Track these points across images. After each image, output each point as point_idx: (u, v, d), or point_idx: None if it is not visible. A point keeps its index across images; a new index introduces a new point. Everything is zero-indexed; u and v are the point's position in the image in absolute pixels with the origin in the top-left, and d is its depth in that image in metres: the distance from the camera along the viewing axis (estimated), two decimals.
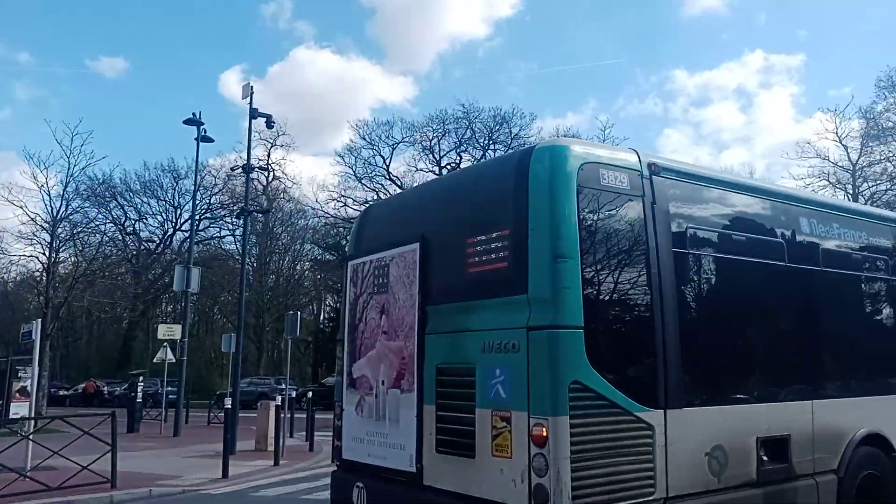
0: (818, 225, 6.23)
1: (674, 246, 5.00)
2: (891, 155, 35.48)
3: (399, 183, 40.75)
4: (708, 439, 4.88)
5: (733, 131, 74.72)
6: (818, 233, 6.20)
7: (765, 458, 5.22)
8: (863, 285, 6.79)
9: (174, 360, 20.66)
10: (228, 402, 14.07)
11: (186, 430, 19.91)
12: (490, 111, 39.42)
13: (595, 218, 4.62)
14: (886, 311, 7.11)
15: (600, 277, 4.60)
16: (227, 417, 13.07)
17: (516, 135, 39.14)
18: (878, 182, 35.74)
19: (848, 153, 36.22)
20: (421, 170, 40.89)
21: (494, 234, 4.85)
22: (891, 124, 35.50)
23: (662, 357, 4.71)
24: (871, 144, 35.75)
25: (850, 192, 34.55)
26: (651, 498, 4.52)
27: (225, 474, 11.46)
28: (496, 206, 4.95)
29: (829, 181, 35.75)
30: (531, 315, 4.42)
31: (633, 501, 4.44)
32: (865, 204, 28.41)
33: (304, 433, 16.21)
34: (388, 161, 41.40)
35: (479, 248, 4.97)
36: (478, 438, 4.68)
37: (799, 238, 6.02)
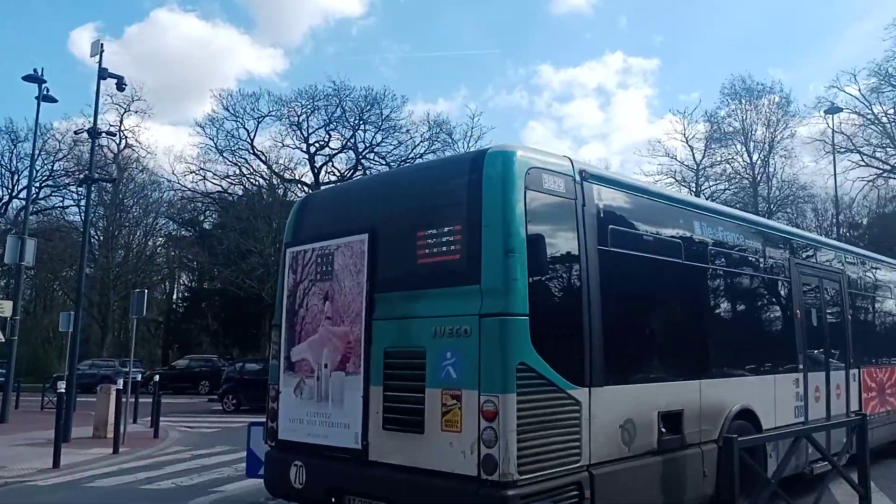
0: (707, 228, 7.13)
1: (598, 244, 5.62)
2: (730, 157, 39.27)
3: (264, 158, 39.62)
4: (621, 414, 5.61)
5: (592, 128, 79.33)
6: (707, 235, 7.10)
7: (663, 429, 6.00)
8: (740, 282, 7.76)
9: (3, 340, 19.19)
10: (62, 386, 12.86)
11: (16, 416, 18.44)
12: (362, 91, 39.08)
13: (537, 217, 5.17)
14: (758, 304, 8.31)
15: (541, 271, 5.12)
16: (59, 402, 12.03)
17: (387, 116, 39.15)
18: (718, 182, 39.39)
19: (693, 154, 39.73)
20: (288, 146, 40.03)
21: (446, 229, 5.31)
22: (731, 129, 39.27)
23: (589, 342, 5.33)
24: (713, 147, 39.41)
25: (694, 189, 37.77)
26: (578, 465, 5.15)
27: (56, 464, 10.71)
28: (448, 203, 5.40)
29: (675, 179, 38.95)
30: (483, 303, 4.92)
31: (564, 468, 5.04)
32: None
33: (150, 419, 15.58)
34: (252, 135, 39.87)
35: (430, 241, 5.40)
36: (427, 415, 5.12)
37: (692, 239, 6.89)
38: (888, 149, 35.60)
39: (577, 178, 5.62)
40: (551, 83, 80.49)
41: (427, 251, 5.42)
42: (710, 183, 39.41)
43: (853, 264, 10.64)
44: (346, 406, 5.74)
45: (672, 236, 6.66)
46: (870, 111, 35.37)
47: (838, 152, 33.78)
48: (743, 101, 39.10)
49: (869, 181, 36.51)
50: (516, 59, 79.88)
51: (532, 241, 5.04)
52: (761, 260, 8.04)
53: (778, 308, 8.50)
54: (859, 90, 35.15)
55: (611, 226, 5.85)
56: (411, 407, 5.24)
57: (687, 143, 39.65)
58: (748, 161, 39.12)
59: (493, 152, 5.33)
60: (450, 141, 39.59)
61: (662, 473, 5.94)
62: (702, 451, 6.41)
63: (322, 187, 39.33)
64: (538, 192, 5.23)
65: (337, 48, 74.75)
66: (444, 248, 5.31)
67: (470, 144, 39.56)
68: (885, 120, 35.27)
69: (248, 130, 39.66)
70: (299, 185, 40.07)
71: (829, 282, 9.52)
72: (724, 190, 38.80)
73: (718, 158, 39.52)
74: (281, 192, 39.78)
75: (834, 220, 35.50)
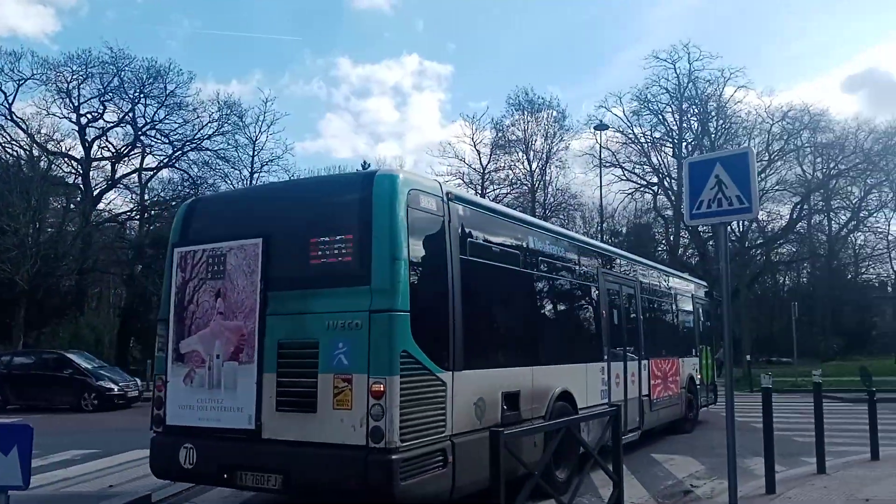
0: (538, 241, 8.68)
1: (460, 254, 6.82)
2: (512, 164, 42.72)
3: (24, 126, 35.28)
4: (475, 393, 6.82)
5: (389, 125, 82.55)
6: (538, 247, 8.65)
7: (505, 406, 7.32)
8: (562, 287, 9.40)
9: None
10: None
11: None
12: (143, 61, 36.15)
13: (416, 230, 6.28)
14: (575, 305, 10.09)
15: (419, 275, 6.22)
16: None
17: (171, 92, 36.61)
18: (501, 186, 42.42)
19: (480, 158, 42.57)
20: (54, 114, 36.00)
21: (339, 237, 6.27)
22: (514, 137, 42.84)
23: (452, 334, 6.48)
24: (498, 153, 42.65)
25: (480, 192, 40.39)
26: (444, 435, 6.31)
27: None
28: (341, 214, 6.40)
29: (463, 181, 41.49)
30: (373, 301, 5.96)
31: (434, 437, 6.18)
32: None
33: None
34: (11, 99, 35.16)
35: (323, 247, 6.34)
36: (320, 397, 6.05)
37: (528, 250, 8.35)
38: (645, 166, 40.93)
39: (445, 198, 6.75)
40: (350, 77, 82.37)
41: (320, 255, 6.34)
42: (495, 187, 42.18)
43: (646, 274, 12.84)
44: (238, 392, 6.48)
45: (513, 248, 8.05)
46: (631, 131, 40.52)
47: (604, 166, 38.42)
48: (525, 113, 42.76)
49: (629, 194, 42.07)
50: (316, 49, 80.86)
51: (412, 249, 6.16)
52: (578, 269, 9.79)
53: (590, 309, 10.26)
54: (623, 112, 40.38)
55: (469, 238, 7.04)
56: (304, 391, 6.15)
57: (475, 147, 42.52)
58: (528, 168, 42.74)
59: (381, 174, 6.40)
60: (241, 124, 38.68)
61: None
62: (533, 426, 7.74)
63: (96, 162, 36.82)
64: (416, 209, 6.33)
65: (119, 14, 68.73)
66: (337, 254, 6.26)
67: (261, 129, 39.30)
68: (643, 140, 40.57)
69: (5, 94, 34.99)
70: (66, 159, 36.77)
71: (626, 288, 11.62)
72: (507, 194, 41.84)
73: (503, 164, 42.64)
74: (43, 165, 35.40)
75: (599, 228, 39.93)
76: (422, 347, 6.10)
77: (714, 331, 16.60)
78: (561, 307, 9.52)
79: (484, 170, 42.16)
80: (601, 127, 35.68)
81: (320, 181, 9.15)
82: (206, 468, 6.58)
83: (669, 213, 41.52)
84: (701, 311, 16.04)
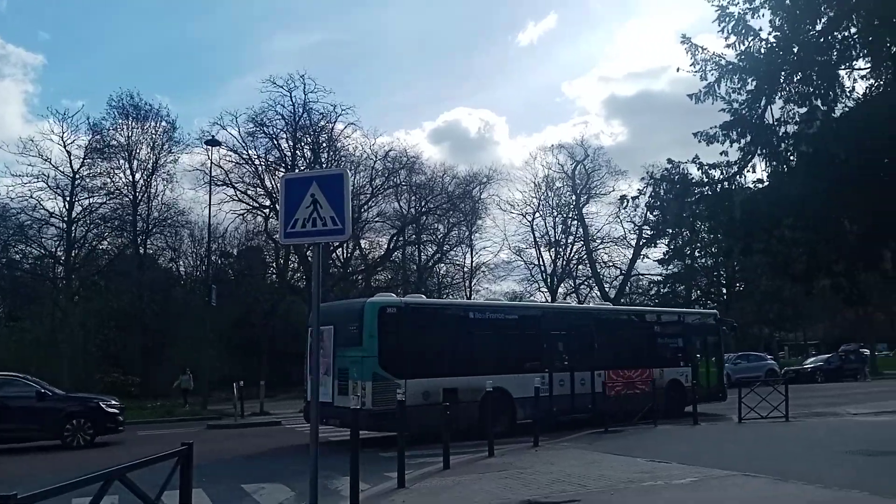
0: (477, 312, 17.65)
1: (410, 329, 14.99)
2: (112, 171, 38.22)
3: None
4: (422, 389, 14.32)
5: None
6: (476, 315, 17.09)
7: (446, 394, 13.99)
8: (502, 334, 16.82)
9: None
10: None
11: None
12: None
13: (386, 324, 14.58)
14: (513, 336, 17.15)
15: (385, 342, 14.45)
16: None
17: None
18: (97, 195, 36.99)
19: (71, 160, 36.04)
20: None
21: (353, 328, 14.65)
22: (116, 143, 38.62)
23: (404, 363, 14.45)
24: (94, 157, 37.00)
25: (69, 200, 35.34)
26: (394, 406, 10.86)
27: None
28: (354, 318, 14.74)
29: (48, 185, 35.28)
30: (364, 352, 14.24)
31: (392, 407, 11.46)
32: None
33: None
34: None
35: (349, 330, 14.76)
36: (350, 388, 14.21)
37: (466, 318, 16.85)
38: (258, 188, 40.57)
39: (402, 305, 15.36)
40: None
41: (348, 335, 14.71)
42: (88, 194, 36.83)
43: (602, 317, 19.94)
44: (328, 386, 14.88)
45: (452, 318, 17.04)
46: (246, 152, 40.00)
47: (216, 184, 36.54)
48: (131, 119, 39.32)
49: (240, 215, 41.02)
50: None
51: (381, 332, 14.43)
52: (521, 322, 17.91)
53: (534, 343, 17.48)
54: (239, 132, 39.25)
55: (416, 320, 15.38)
56: (344, 385, 14.48)
57: (65, 147, 36.07)
58: (131, 179, 39.28)
59: (370, 301, 15.18)
60: None
61: (446, 411, 10.97)
62: (468, 404, 14.44)
63: None
64: (385, 315, 14.67)
65: None
66: (352, 334, 14.62)
67: None
68: (257, 162, 40.36)
69: None
70: None
71: (570, 327, 18.65)
72: (103, 204, 37.21)
73: (100, 170, 37.67)
74: None
75: (207, 248, 38.09)
76: (385, 370, 14.19)
77: (716, 345, 21.77)
78: (498, 343, 16.56)
79: (74, 174, 36.34)
80: (213, 143, 34.17)
81: (348, 304, 17.62)
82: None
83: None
84: (686, 335, 21.04)
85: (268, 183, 39.11)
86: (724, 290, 53.91)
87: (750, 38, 12.45)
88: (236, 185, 39.43)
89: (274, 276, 44.44)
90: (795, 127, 12.76)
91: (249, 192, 40.03)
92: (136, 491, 4.25)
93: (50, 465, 13.18)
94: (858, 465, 9.91)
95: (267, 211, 39.35)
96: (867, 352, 44.99)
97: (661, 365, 19.46)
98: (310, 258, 39.03)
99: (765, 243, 13.84)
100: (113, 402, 17.06)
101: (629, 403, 17.01)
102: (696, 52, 13.01)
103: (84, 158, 36.22)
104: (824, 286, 15.34)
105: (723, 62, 12.85)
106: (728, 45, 12.66)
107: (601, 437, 14.18)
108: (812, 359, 45.16)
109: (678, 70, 13.38)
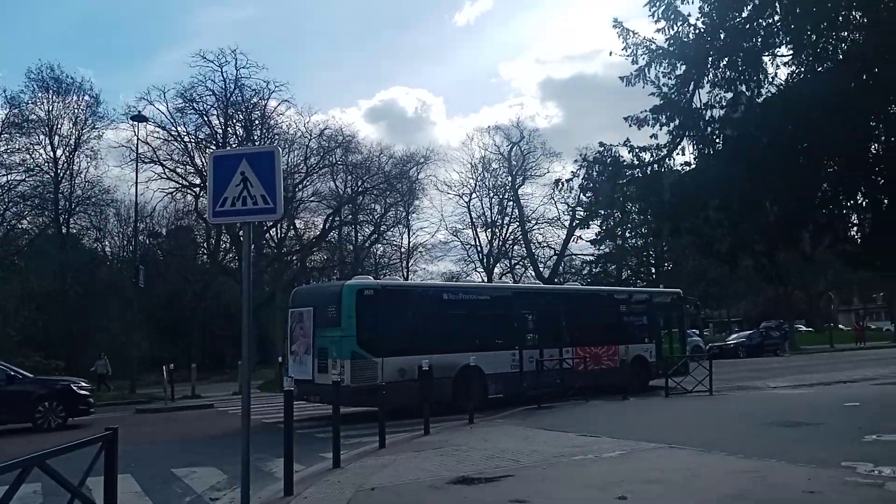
0: (451, 294, 18.08)
1: (387, 311, 15.77)
2: (31, 146, 35.99)
3: None
4: (398, 366, 15.03)
5: None
6: (450, 297, 17.68)
7: (421, 371, 13.09)
8: (475, 314, 17.43)
9: None
10: None
11: None
12: None
13: (363, 305, 15.25)
14: (486, 316, 17.69)
15: (362, 322, 15.16)
16: None
17: None
18: (15, 172, 35.22)
19: None
20: None
21: (331, 309, 15.45)
22: (35, 118, 36.49)
23: (381, 342, 15.34)
24: (12, 131, 35.35)
25: None
26: (376, 382, 13.72)
27: None
28: (333, 300, 15.55)
29: None
30: (343, 333, 15.01)
31: (370, 382, 14.13)
32: None
33: None
34: None
35: (329, 312, 15.56)
36: (329, 366, 15.03)
37: (442, 299, 17.41)
38: (188, 166, 39.26)
39: (379, 287, 16.41)
40: None
41: (327, 316, 15.51)
42: (5, 171, 35.09)
43: (570, 296, 21.38)
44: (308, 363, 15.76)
45: (426, 299, 17.41)
46: (175, 129, 38.63)
47: (143, 162, 35.37)
48: (51, 92, 37.21)
49: (169, 193, 39.65)
50: None
51: (359, 313, 15.11)
52: (493, 302, 18.27)
53: (505, 322, 18.09)
54: (167, 108, 37.84)
55: (392, 302, 16.15)
56: (325, 363, 15.16)
57: None
58: (52, 155, 37.31)
59: (348, 284, 16.24)
60: None
61: (421, 387, 12.88)
62: (443, 380, 15.21)
63: None
64: (362, 296, 15.36)
65: None
66: (332, 315, 15.40)
67: None
68: (187, 139, 39.01)
69: None
70: None
71: (538, 307, 19.42)
72: (21, 181, 35.46)
73: (19, 146, 35.69)
74: None
75: (134, 227, 36.81)
76: (363, 348, 14.97)
77: (679, 322, 22.23)
78: (470, 323, 17.27)
79: None
80: (140, 118, 32.91)
81: (327, 286, 22.14)
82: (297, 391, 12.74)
83: None
84: (651, 313, 21.68)
85: (198, 160, 37.96)
86: (654, 270, 55.39)
87: (679, 24, 12.70)
88: (164, 163, 38.18)
89: (205, 256, 43.36)
90: (721, 111, 13.11)
91: (178, 170, 38.84)
92: (58, 478, 4.09)
93: (20, 448, 12.50)
94: (777, 436, 10.43)
95: (197, 189, 38.20)
96: (787, 328, 47.27)
97: (627, 342, 20.14)
98: (241, 238, 38.23)
99: (692, 224, 14.24)
100: (83, 384, 17.21)
101: (596, 378, 17.87)
102: (628, 37, 13.23)
103: (0, 133, 34.44)
104: (747, 266, 16.03)
105: (653, 47, 13.11)
106: (658, 30, 12.92)
107: (534, 413, 14.48)
108: (735, 335, 47.19)
109: (611, 54, 13.94)
